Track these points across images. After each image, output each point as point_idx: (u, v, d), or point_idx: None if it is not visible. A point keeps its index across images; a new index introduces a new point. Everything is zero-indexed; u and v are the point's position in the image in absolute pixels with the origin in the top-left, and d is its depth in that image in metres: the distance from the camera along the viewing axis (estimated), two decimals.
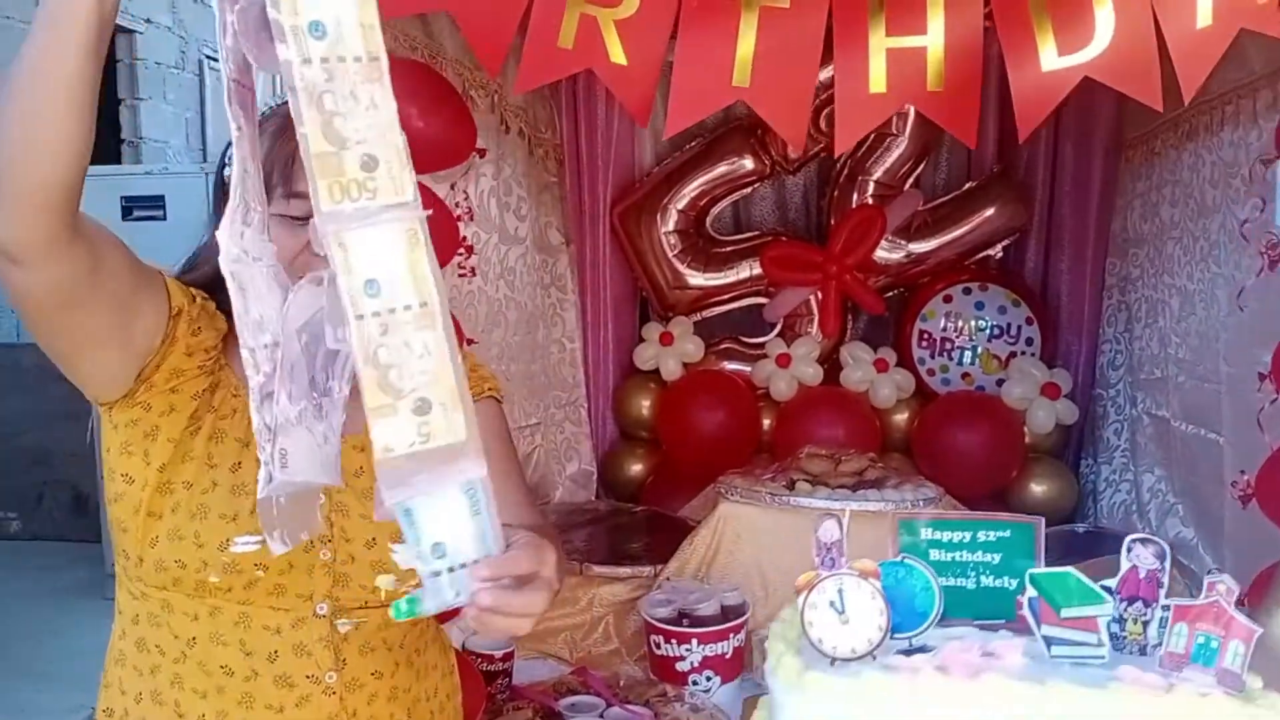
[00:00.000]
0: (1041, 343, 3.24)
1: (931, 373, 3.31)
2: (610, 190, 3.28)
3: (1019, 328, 3.26)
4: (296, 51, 0.74)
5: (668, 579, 2.45)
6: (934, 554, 0.96)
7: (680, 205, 3.31)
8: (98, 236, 1.02)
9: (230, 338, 1.19)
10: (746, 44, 1.69)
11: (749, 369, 3.34)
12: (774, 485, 2.50)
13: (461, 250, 2.22)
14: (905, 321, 3.34)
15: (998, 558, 0.96)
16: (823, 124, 2.95)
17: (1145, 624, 0.89)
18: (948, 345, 3.30)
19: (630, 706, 2.03)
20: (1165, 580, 0.89)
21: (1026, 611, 0.90)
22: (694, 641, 2.17)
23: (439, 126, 1.89)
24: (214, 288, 1.17)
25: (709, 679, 2.18)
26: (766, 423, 3.29)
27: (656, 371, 3.34)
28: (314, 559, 1.13)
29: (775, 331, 3.36)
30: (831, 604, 0.88)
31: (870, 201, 3.23)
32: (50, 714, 3.51)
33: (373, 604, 1.15)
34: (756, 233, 3.45)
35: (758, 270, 3.32)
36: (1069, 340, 3.28)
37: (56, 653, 4.16)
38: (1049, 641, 0.90)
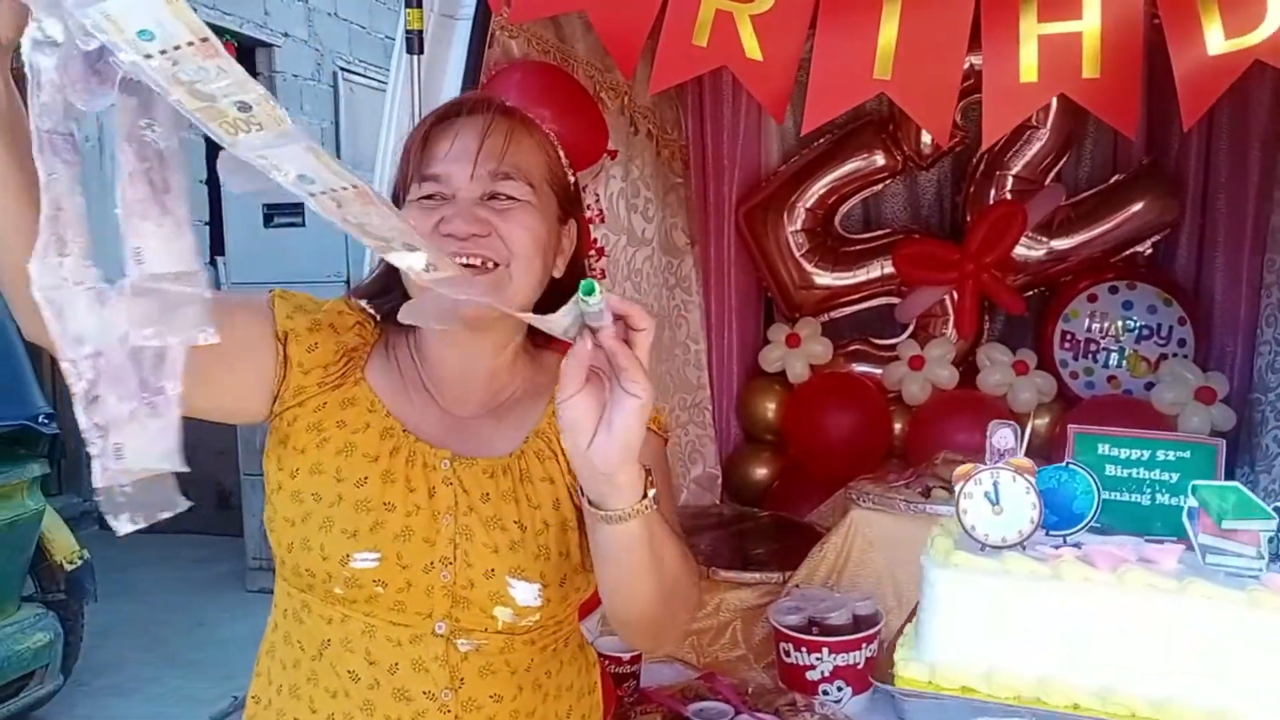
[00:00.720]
0: (1195, 344, 3.05)
1: (1075, 375, 3.15)
2: (736, 190, 3.25)
3: (1170, 328, 3.08)
4: (136, 53, 0.76)
5: (797, 586, 2.40)
6: (1109, 469, 0.97)
7: (808, 203, 3.25)
8: None
9: (376, 352, 1.21)
10: (888, 35, 1.63)
11: (880, 371, 3.25)
12: (909, 492, 2.42)
13: (592, 252, 2.22)
14: (1046, 322, 3.19)
15: (1175, 476, 0.96)
16: (957, 118, 2.85)
17: None
18: (1092, 347, 3.14)
19: (760, 714, 1.99)
20: None
21: (1185, 519, 0.91)
22: (825, 650, 2.12)
23: (572, 128, 1.89)
24: (382, 293, 1.22)
25: (840, 689, 2.12)
26: (898, 427, 3.19)
27: (782, 374, 3.28)
28: (434, 579, 1.12)
29: (908, 333, 3.26)
30: (986, 495, 0.93)
31: (1009, 197, 3.10)
32: (198, 702, 3.69)
33: (492, 629, 1.14)
34: (888, 230, 3.35)
35: (889, 269, 3.23)
36: (1224, 342, 3.07)
37: (203, 642, 4.37)
38: (1204, 550, 0.90)
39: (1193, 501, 0.90)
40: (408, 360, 1.23)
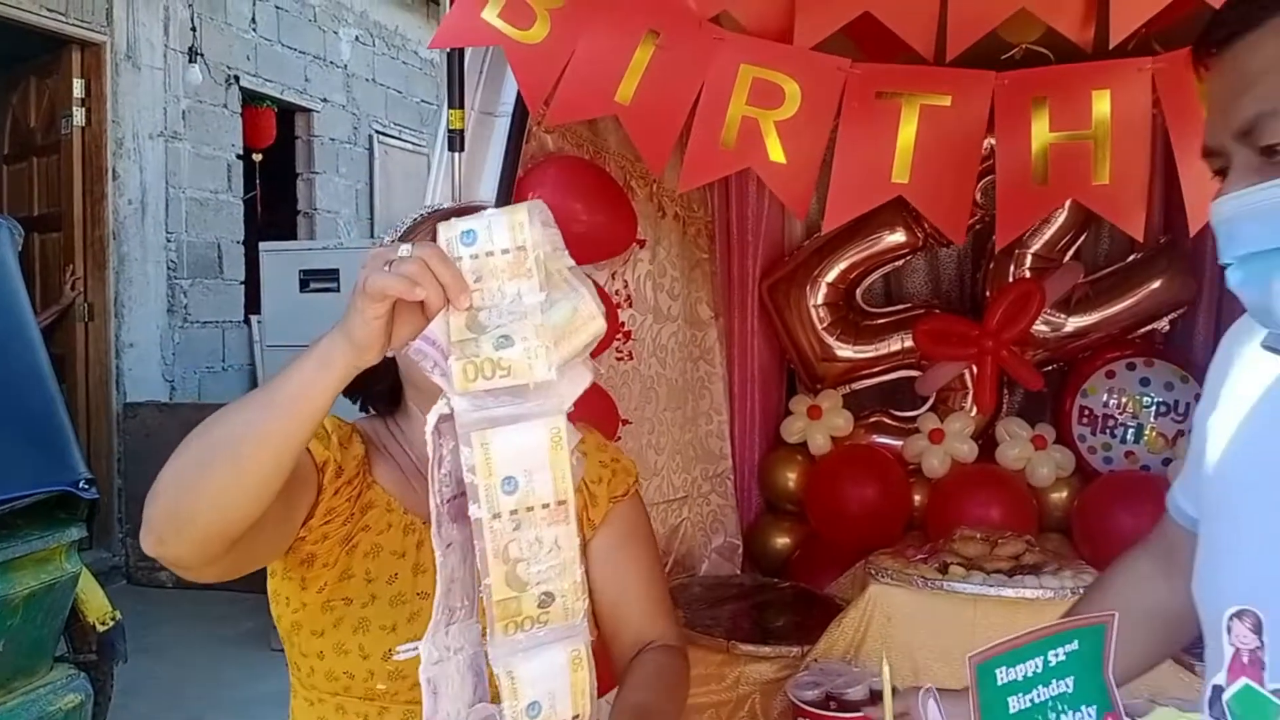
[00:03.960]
0: None
1: (1093, 450, 3.18)
2: (759, 264, 3.32)
3: (1187, 405, 3.11)
4: (487, 509, 0.81)
5: (815, 660, 2.43)
6: (1013, 704, 0.73)
7: (830, 278, 3.32)
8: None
9: (372, 453, 1.25)
10: (906, 140, 1.71)
11: (900, 444, 3.29)
12: (926, 568, 2.45)
13: (620, 335, 2.30)
14: (1065, 397, 3.23)
15: (1070, 682, 0.74)
16: (977, 196, 2.92)
17: None
18: (1110, 422, 3.17)
19: None
20: (1265, 659, 0.73)
21: None
22: None
23: (603, 221, 1.98)
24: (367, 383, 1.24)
25: None
26: (918, 499, 3.22)
27: (804, 445, 3.33)
28: None
29: (928, 406, 3.31)
30: None
31: (1028, 274, 3.16)
32: None
33: None
34: (909, 305, 3.42)
35: (909, 343, 3.28)
36: None
37: (227, 702, 4.39)
38: None
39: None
40: (401, 453, 1.28)
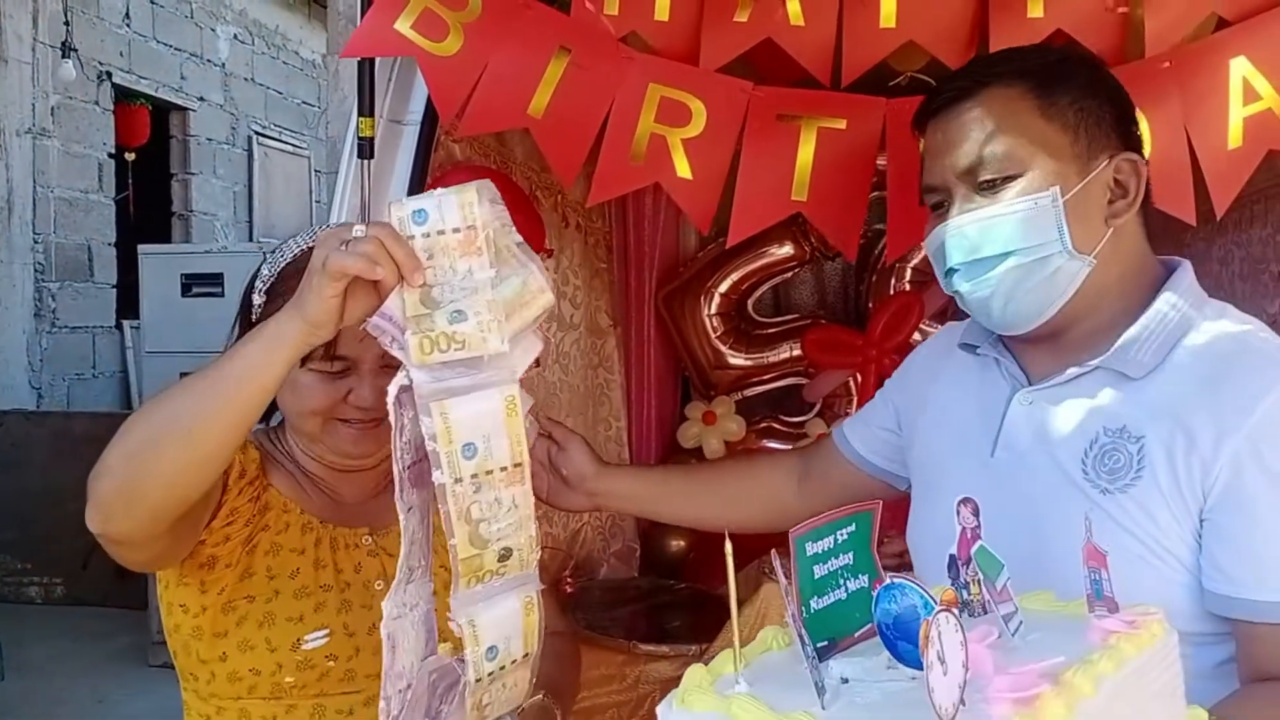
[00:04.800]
0: None
1: None
2: (656, 274, 3.40)
3: None
4: (450, 474, 0.86)
5: (713, 657, 2.51)
6: (817, 571, 0.81)
7: (722, 289, 3.43)
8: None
9: (265, 458, 1.28)
10: (805, 160, 1.81)
11: (789, 448, 3.42)
12: None
13: None
14: None
15: (851, 556, 0.84)
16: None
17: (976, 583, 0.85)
18: None
19: None
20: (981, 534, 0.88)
21: (984, 593, 0.84)
22: None
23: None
24: None
25: None
26: None
27: (699, 449, 3.42)
28: (379, 639, 1.22)
29: (815, 411, 3.44)
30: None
31: (908, 288, 3.34)
32: None
33: None
34: (797, 315, 3.56)
35: (798, 352, 3.42)
36: None
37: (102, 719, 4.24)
38: (1006, 619, 0.82)
39: (978, 571, 0.83)
40: (288, 459, 1.31)
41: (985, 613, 0.84)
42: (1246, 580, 1.05)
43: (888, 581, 0.77)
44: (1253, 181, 2.32)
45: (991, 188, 1.15)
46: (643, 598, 3.01)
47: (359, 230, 0.92)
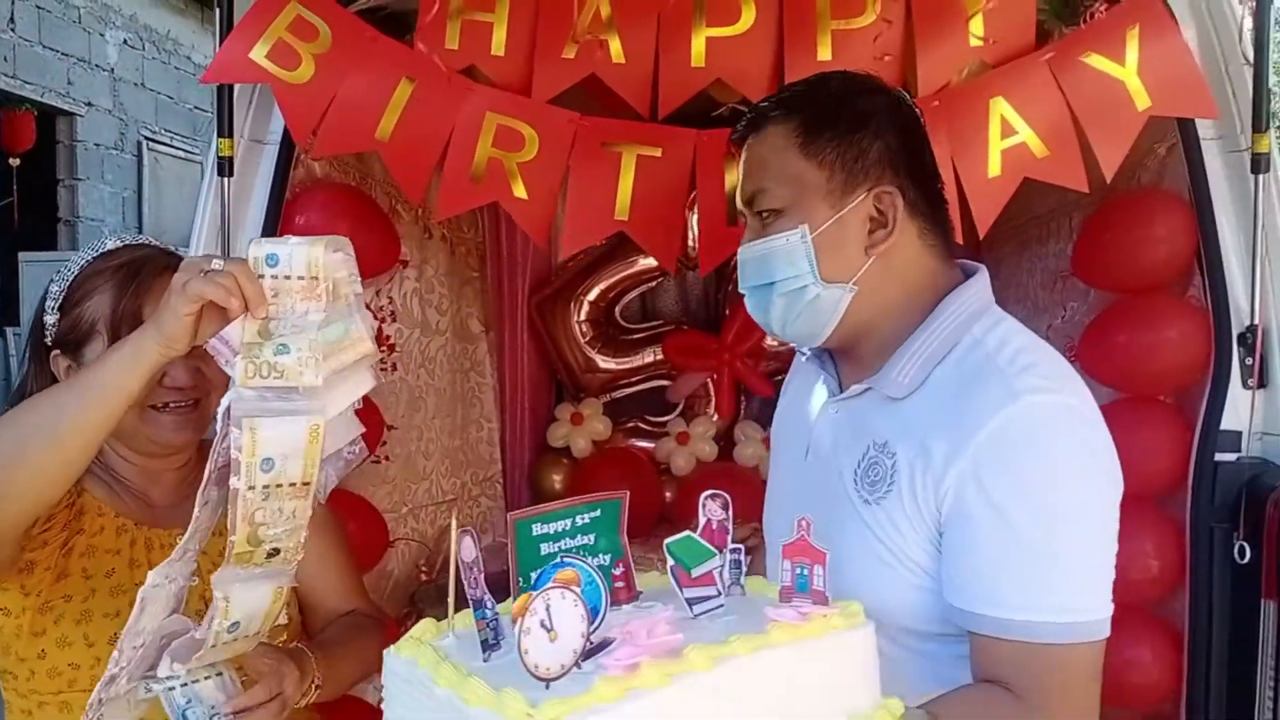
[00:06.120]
0: None
1: None
2: (528, 282, 3.59)
3: None
4: (245, 481, 0.98)
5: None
6: (544, 548, 0.94)
7: (591, 296, 3.63)
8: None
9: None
10: (626, 184, 2.03)
11: (653, 446, 3.64)
12: None
13: (383, 348, 2.51)
14: None
15: (593, 537, 0.99)
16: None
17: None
18: None
19: None
20: (730, 527, 1.04)
21: (671, 579, 0.97)
22: None
23: (366, 243, 2.17)
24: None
25: None
26: (668, 495, 3.59)
27: (568, 449, 3.62)
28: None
29: (677, 411, 3.67)
30: (542, 623, 0.79)
31: None
32: None
33: None
34: (661, 322, 3.78)
35: (661, 356, 3.65)
36: None
37: None
38: (690, 602, 0.95)
39: (670, 560, 0.95)
40: (103, 469, 1.39)
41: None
42: (970, 596, 1.12)
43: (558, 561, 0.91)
44: (1045, 202, 2.62)
45: (764, 219, 1.24)
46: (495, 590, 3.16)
47: (218, 264, 1.05)
